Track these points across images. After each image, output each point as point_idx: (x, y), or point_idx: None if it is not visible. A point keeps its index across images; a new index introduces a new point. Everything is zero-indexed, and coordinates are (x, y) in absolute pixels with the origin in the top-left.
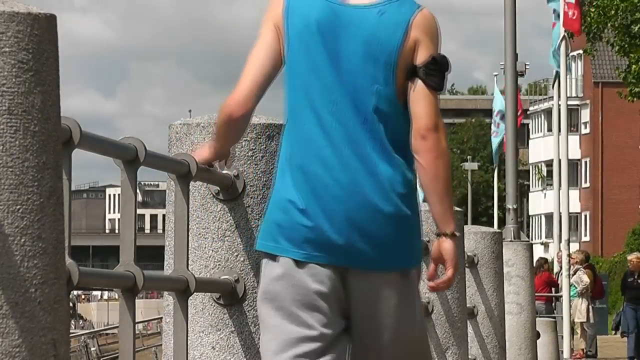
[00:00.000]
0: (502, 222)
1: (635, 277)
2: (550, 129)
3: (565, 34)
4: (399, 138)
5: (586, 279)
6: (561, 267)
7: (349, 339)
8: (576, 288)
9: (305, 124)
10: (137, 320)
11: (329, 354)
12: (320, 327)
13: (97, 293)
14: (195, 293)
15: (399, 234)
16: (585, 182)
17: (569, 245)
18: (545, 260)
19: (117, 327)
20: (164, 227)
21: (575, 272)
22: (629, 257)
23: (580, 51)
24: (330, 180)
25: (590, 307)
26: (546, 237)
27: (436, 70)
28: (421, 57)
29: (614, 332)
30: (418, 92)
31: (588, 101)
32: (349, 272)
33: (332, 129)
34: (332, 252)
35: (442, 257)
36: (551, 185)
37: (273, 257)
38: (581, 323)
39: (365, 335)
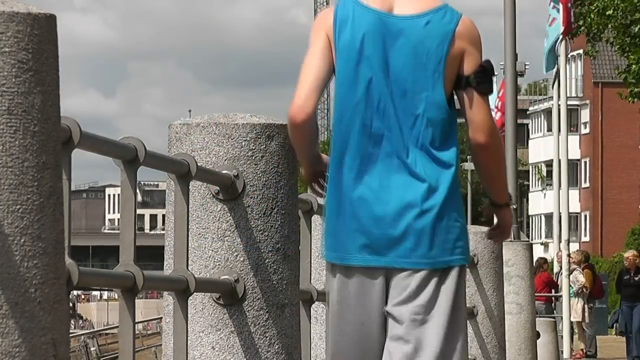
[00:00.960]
0: None
1: (631, 274)
2: (550, 129)
3: (561, 35)
4: (445, 140)
5: (582, 279)
6: (561, 267)
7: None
8: (573, 288)
9: (354, 132)
10: (137, 320)
11: (382, 347)
12: (374, 324)
13: (97, 293)
14: (195, 293)
15: (445, 231)
16: (585, 182)
17: (568, 245)
18: (545, 260)
19: (117, 327)
20: (164, 227)
21: (571, 272)
22: (626, 255)
23: (580, 51)
24: (380, 187)
25: (585, 306)
26: (546, 237)
27: (485, 77)
28: (469, 66)
29: (614, 332)
30: (472, 100)
31: (588, 101)
32: (397, 271)
33: (380, 137)
34: (387, 255)
35: (503, 222)
36: (551, 185)
37: (333, 266)
38: (578, 323)
39: (407, 328)
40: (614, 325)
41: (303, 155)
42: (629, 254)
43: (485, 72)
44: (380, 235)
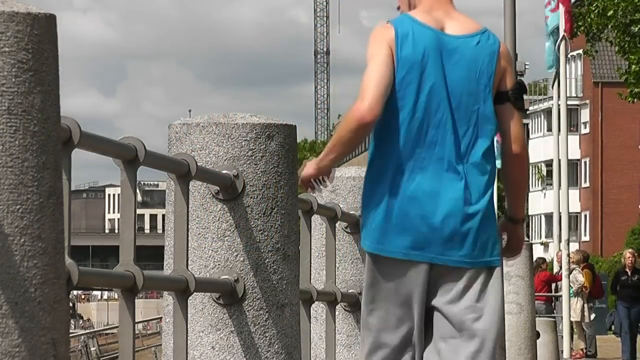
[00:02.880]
0: None
1: (629, 275)
2: (550, 129)
3: (565, 34)
4: (489, 149)
5: (581, 278)
6: (561, 267)
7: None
8: (572, 288)
9: (412, 137)
10: (137, 320)
11: (419, 340)
12: (415, 315)
13: (97, 293)
14: (195, 293)
15: (486, 234)
16: (585, 182)
17: (568, 245)
18: (544, 260)
19: (117, 327)
20: (163, 227)
21: (571, 272)
22: (627, 255)
23: (580, 51)
24: (431, 189)
25: (585, 306)
26: (546, 237)
27: (520, 94)
28: (508, 83)
29: (610, 331)
30: (510, 113)
31: (588, 101)
32: (444, 268)
33: (435, 143)
34: (431, 251)
35: (517, 238)
36: (551, 185)
37: (377, 257)
38: (578, 323)
39: (449, 323)
40: (611, 326)
41: (338, 155)
42: (629, 253)
43: (521, 88)
44: (427, 233)
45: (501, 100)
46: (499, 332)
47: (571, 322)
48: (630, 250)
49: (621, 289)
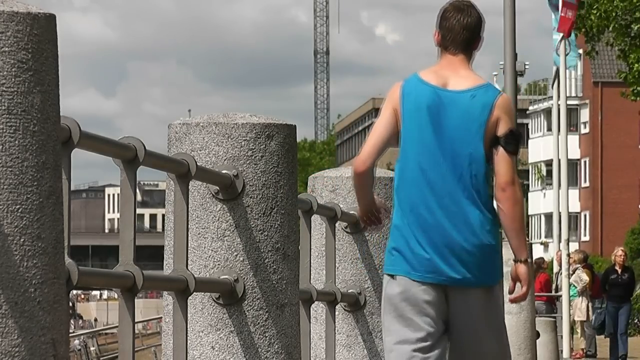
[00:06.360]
0: None
1: (619, 274)
2: (549, 129)
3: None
4: (484, 189)
5: (585, 278)
6: (561, 267)
7: (446, 339)
8: (576, 287)
9: (415, 179)
10: (136, 320)
11: (435, 350)
12: (428, 328)
13: (97, 293)
14: (194, 293)
15: (485, 259)
16: (585, 181)
17: (568, 244)
18: (543, 260)
19: (116, 326)
20: (163, 226)
21: (574, 272)
22: (619, 252)
23: (580, 51)
24: (435, 222)
25: (590, 305)
26: (546, 237)
27: (512, 139)
28: (501, 130)
29: (604, 335)
30: (500, 156)
31: (587, 101)
32: (449, 288)
33: (435, 184)
34: (438, 274)
35: (519, 278)
36: (551, 185)
37: (394, 277)
38: (582, 322)
39: (461, 336)
40: (601, 325)
41: (360, 196)
42: (620, 251)
43: (513, 135)
44: (439, 260)
45: (494, 144)
46: (501, 340)
47: (571, 322)
48: (621, 248)
49: (610, 288)
